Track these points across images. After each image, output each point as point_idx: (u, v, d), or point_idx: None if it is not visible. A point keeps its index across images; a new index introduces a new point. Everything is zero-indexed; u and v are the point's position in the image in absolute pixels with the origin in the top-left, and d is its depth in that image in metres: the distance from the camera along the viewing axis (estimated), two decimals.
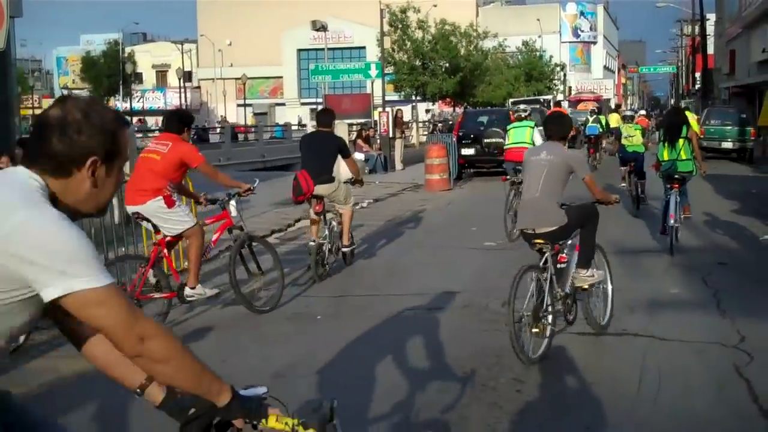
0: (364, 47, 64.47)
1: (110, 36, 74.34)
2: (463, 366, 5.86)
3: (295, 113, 66.73)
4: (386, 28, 36.30)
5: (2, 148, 11.04)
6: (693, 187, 11.45)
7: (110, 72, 67.38)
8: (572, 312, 6.45)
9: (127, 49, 72.53)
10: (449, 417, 4.91)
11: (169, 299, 7.06)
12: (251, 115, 70.70)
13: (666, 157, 10.44)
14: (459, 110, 39.34)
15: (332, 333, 6.88)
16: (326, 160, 9.23)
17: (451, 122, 33.11)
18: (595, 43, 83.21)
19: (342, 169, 10.17)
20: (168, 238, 7.10)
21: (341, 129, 20.73)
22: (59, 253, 1.91)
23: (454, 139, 21.35)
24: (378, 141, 25.70)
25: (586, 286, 6.43)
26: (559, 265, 6.32)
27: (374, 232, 12.50)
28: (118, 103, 66.47)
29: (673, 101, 78.41)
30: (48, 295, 1.91)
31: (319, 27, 30.70)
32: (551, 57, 57.51)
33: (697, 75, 52.46)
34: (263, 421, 2.21)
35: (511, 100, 38.59)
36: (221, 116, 71.50)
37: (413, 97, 42.76)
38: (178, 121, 7.35)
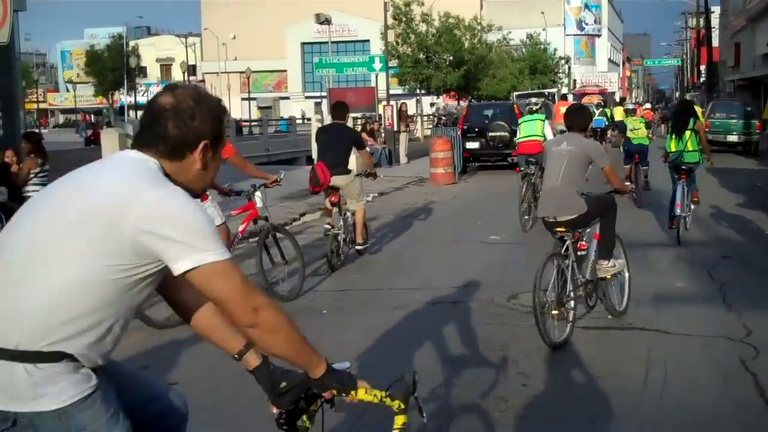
0: (368, 40, 64.27)
1: (114, 30, 74.31)
2: (468, 360, 5.86)
3: (299, 107, 66.67)
4: (390, 21, 36.18)
5: (8, 142, 11.06)
6: (698, 180, 11.46)
7: (114, 66, 67.32)
8: (592, 298, 6.66)
9: (131, 43, 72.48)
10: (454, 410, 4.91)
11: None
12: (256, 108, 70.69)
13: (673, 149, 10.62)
14: (463, 104, 39.26)
15: (338, 327, 6.88)
16: (342, 152, 9.47)
17: (455, 116, 33.05)
18: (599, 36, 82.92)
19: (354, 162, 10.28)
20: None
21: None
22: (191, 229, 2.07)
23: (459, 133, 21.32)
24: (382, 134, 25.69)
25: (609, 276, 6.70)
26: (579, 253, 6.55)
27: (379, 226, 12.49)
28: (123, 97, 66.53)
29: (677, 94, 78.29)
30: (179, 268, 2.06)
31: (323, 20, 30.66)
32: (555, 50, 57.28)
33: (702, 68, 52.40)
34: (353, 392, 2.34)
35: (515, 93, 38.53)
36: None
37: (417, 91, 42.67)
38: None
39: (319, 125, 21.95)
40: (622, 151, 15.44)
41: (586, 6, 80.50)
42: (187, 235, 2.06)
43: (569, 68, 60.16)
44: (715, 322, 6.79)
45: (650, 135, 15.15)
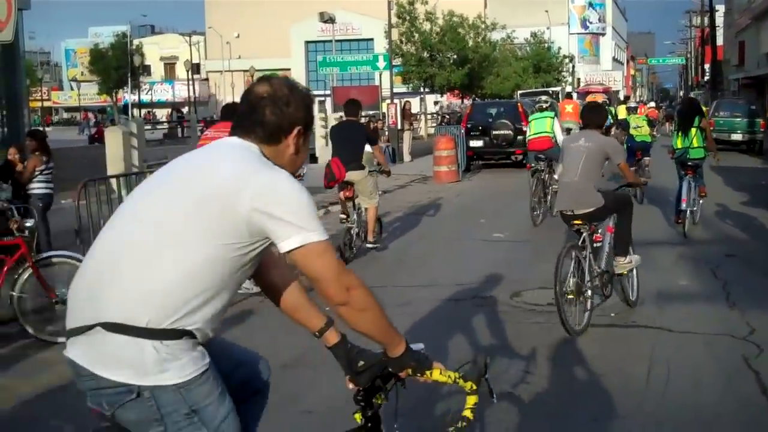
0: (372, 39, 64.25)
1: (118, 28, 74.31)
2: (470, 357, 5.85)
3: None
4: (394, 19, 36.16)
5: (12, 140, 11.09)
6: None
7: (119, 64, 67.31)
8: (608, 288, 6.92)
9: (135, 42, 72.53)
10: (457, 407, 4.91)
11: None
12: None
13: (680, 145, 11.02)
14: (467, 102, 39.23)
15: (340, 323, 6.88)
16: (356, 148, 9.69)
17: (459, 114, 33.04)
18: (603, 34, 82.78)
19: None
20: None
21: None
22: (298, 209, 2.23)
23: (463, 131, 21.32)
24: (386, 133, 25.67)
25: (626, 272, 7.01)
26: (595, 244, 6.82)
27: (384, 224, 12.47)
28: (127, 96, 66.57)
29: (682, 93, 78.11)
30: (286, 246, 2.21)
31: (327, 19, 30.66)
32: (560, 48, 57.19)
33: (707, 66, 52.26)
34: (428, 373, 2.45)
35: (519, 92, 38.48)
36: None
37: (421, 89, 42.62)
38: (233, 112, 7.66)
39: (323, 123, 22.08)
40: (625, 148, 15.50)
41: (591, 4, 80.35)
42: (295, 216, 2.21)
43: (573, 67, 59.99)
44: (719, 320, 6.78)
45: (654, 133, 15.33)
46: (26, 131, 11.60)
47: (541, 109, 14.00)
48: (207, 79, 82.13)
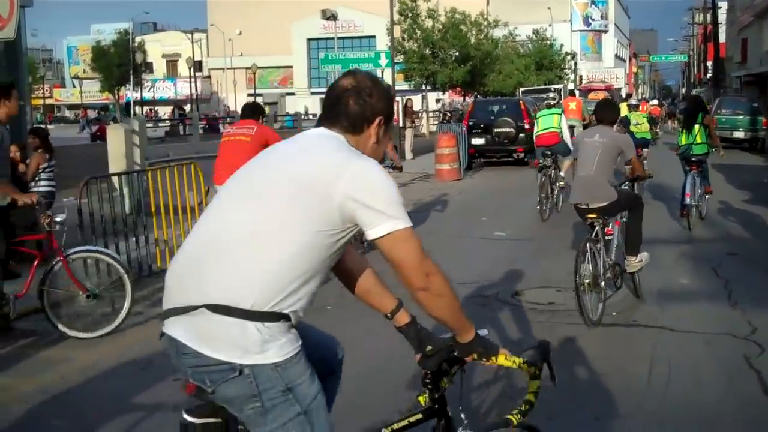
0: (374, 36, 64.27)
1: (120, 26, 74.38)
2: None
3: (304, 103, 66.66)
4: (396, 17, 36.10)
5: (15, 137, 11.07)
6: None
7: (121, 61, 67.31)
8: (619, 280, 7.15)
9: (137, 39, 72.51)
10: (458, 406, 4.91)
11: None
12: (263, 104, 70.60)
13: (684, 142, 11.42)
14: (469, 100, 39.18)
15: (342, 323, 6.88)
16: None
17: (461, 112, 33.00)
18: (606, 31, 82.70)
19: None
20: None
21: None
22: (388, 198, 2.33)
23: (465, 129, 21.30)
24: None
25: (636, 271, 7.25)
26: (606, 237, 7.05)
27: None
28: (129, 93, 66.58)
29: (684, 90, 78.00)
30: (375, 233, 2.33)
31: (329, 16, 30.61)
32: (562, 46, 57.11)
33: (709, 64, 52.27)
34: (493, 358, 2.58)
35: (521, 89, 38.42)
36: (225, 106, 71.63)
37: (423, 87, 42.59)
38: (253, 110, 8.55)
39: None
40: None
41: (593, 2, 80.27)
42: (385, 204, 2.31)
43: (575, 64, 59.94)
44: (720, 319, 6.78)
45: (657, 130, 15.53)
46: (28, 129, 11.60)
47: (549, 106, 14.13)
48: (209, 77, 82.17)
